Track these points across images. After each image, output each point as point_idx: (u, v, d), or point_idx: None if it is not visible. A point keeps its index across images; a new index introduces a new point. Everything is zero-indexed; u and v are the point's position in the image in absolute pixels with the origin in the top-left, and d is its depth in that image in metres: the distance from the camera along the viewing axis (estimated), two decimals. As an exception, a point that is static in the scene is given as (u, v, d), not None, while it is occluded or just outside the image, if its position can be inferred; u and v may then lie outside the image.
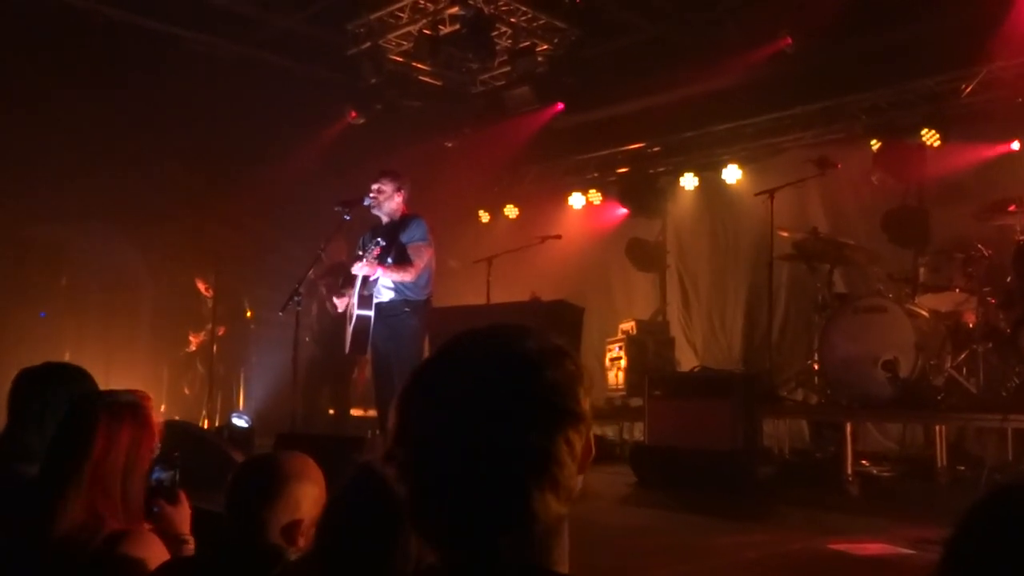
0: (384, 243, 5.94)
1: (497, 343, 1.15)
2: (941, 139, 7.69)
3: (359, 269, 5.93)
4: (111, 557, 1.99)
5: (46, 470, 2.18)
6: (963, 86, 7.69)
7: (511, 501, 1.07)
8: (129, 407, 2.21)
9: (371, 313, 6.02)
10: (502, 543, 1.08)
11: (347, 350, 6.26)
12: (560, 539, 1.14)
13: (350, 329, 6.14)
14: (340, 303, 6.29)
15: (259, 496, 1.96)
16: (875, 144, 8.03)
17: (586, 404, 1.15)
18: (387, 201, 6.11)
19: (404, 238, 6.03)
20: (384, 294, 6.03)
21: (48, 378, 2.63)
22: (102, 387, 2.66)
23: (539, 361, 1.12)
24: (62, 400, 2.49)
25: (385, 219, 6.18)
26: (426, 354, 5.95)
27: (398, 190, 6.14)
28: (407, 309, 5.99)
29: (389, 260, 5.97)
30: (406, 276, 5.95)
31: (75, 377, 2.67)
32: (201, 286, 9.53)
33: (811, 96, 8.46)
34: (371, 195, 6.10)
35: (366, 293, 6.05)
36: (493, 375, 1.10)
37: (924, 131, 7.73)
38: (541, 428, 1.08)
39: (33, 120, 7.85)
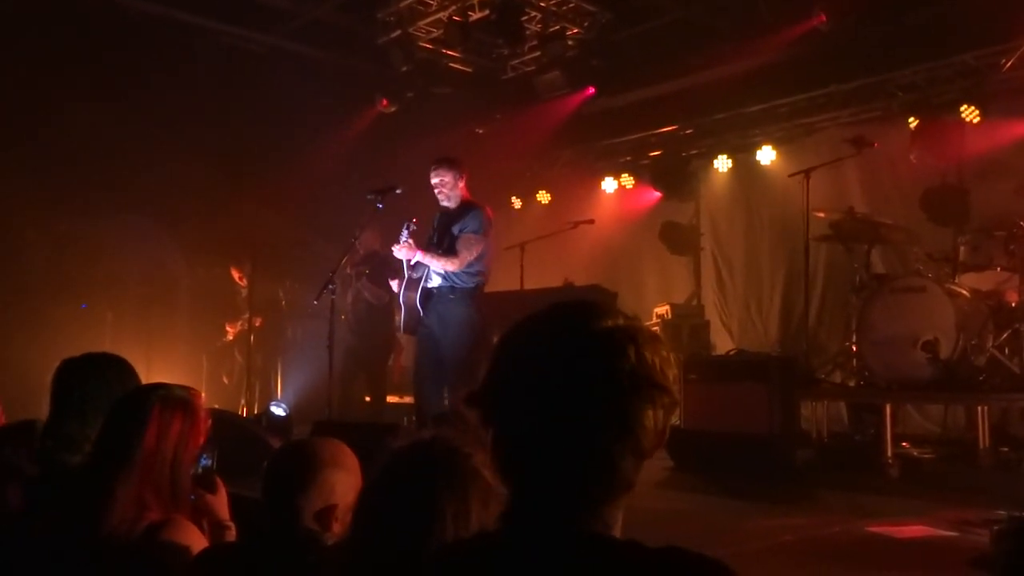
0: (415, 227, 5.95)
1: (604, 314, 1.23)
2: (981, 115, 7.54)
3: (397, 252, 5.95)
4: (155, 546, 2.03)
5: (96, 459, 2.22)
6: (1003, 60, 7.52)
7: (597, 458, 1.16)
8: (181, 402, 2.26)
9: (416, 295, 6.03)
10: (581, 508, 1.16)
11: (402, 330, 6.29)
12: (617, 520, 1.21)
13: (403, 311, 6.17)
14: (394, 285, 6.29)
15: (293, 482, 1.98)
16: (913, 122, 7.90)
17: (675, 388, 1.23)
18: (452, 191, 6.03)
19: (457, 227, 5.97)
20: (434, 279, 6.01)
21: (89, 368, 2.67)
22: (143, 378, 2.70)
23: (638, 339, 1.21)
24: (103, 390, 2.53)
25: (451, 206, 6.11)
26: (477, 342, 5.99)
27: (460, 177, 6.05)
28: (452, 296, 5.97)
29: (435, 245, 6.00)
30: (448, 266, 5.91)
31: (116, 367, 2.70)
32: (236, 275, 9.62)
33: (847, 74, 8.33)
34: (435, 189, 6.03)
35: (415, 276, 6.05)
36: (597, 340, 1.19)
37: (963, 107, 7.59)
38: (634, 396, 1.17)
39: (65, 116, 7.96)
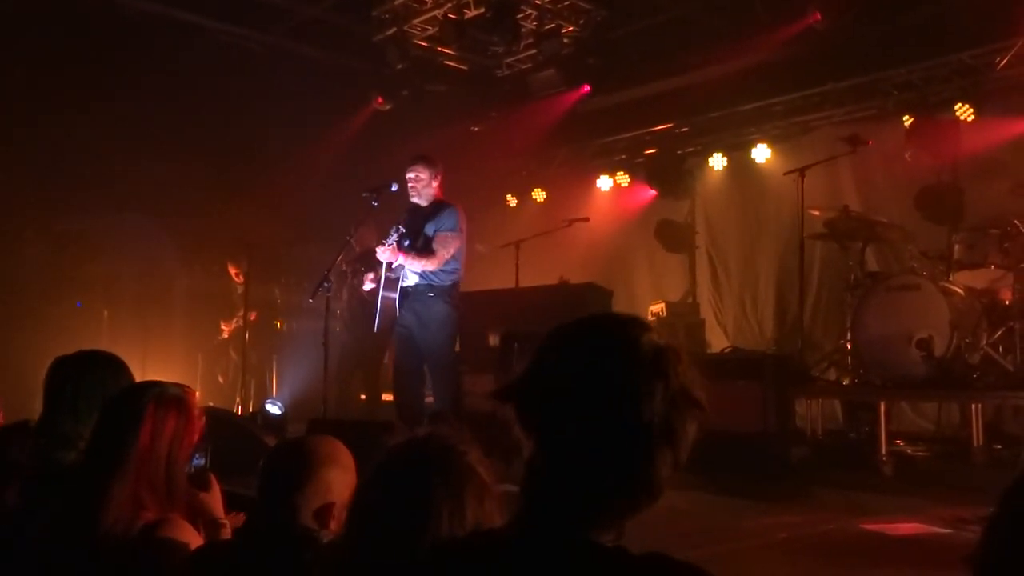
0: (404, 229, 5.96)
1: (649, 330, 1.27)
2: (975, 114, 7.55)
3: (381, 254, 5.96)
4: (152, 544, 2.02)
5: (92, 457, 2.21)
6: (998, 59, 7.53)
7: (643, 468, 1.19)
8: (175, 400, 2.25)
9: (395, 295, 6.05)
10: (616, 514, 1.20)
11: (375, 328, 6.29)
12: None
13: (378, 310, 6.17)
14: (368, 282, 6.32)
15: (290, 480, 1.98)
16: (908, 120, 7.91)
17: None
18: (425, 188, 6.09)
19: (433, 226, 6.01)
20: (410, 278, 6.04)
21: (82, 365, 2.65)
22: (138, 377, 2.69)
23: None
24: (96, 388, 2.52)
25: (423, 203, 6.15)
26: (457, 340, 6.02)
27: (435, 176, 6.11)
28: (431, 294, 6.00)
29: (408, 244, 6.00)
30: (427, 265, 5.95)
31: (109, 364, 2.68)
32: (232, 271, 9.60)
33: (842, 73, 8.34)
34: (409, 184, 6.08)
35: (392, 276, 6.07)
36: (650, 356, 1.22)
37: (958, 106, 7.60)
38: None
39: (63, 115, 7.95)
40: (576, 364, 1.23)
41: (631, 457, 1.19)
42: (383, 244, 5.93)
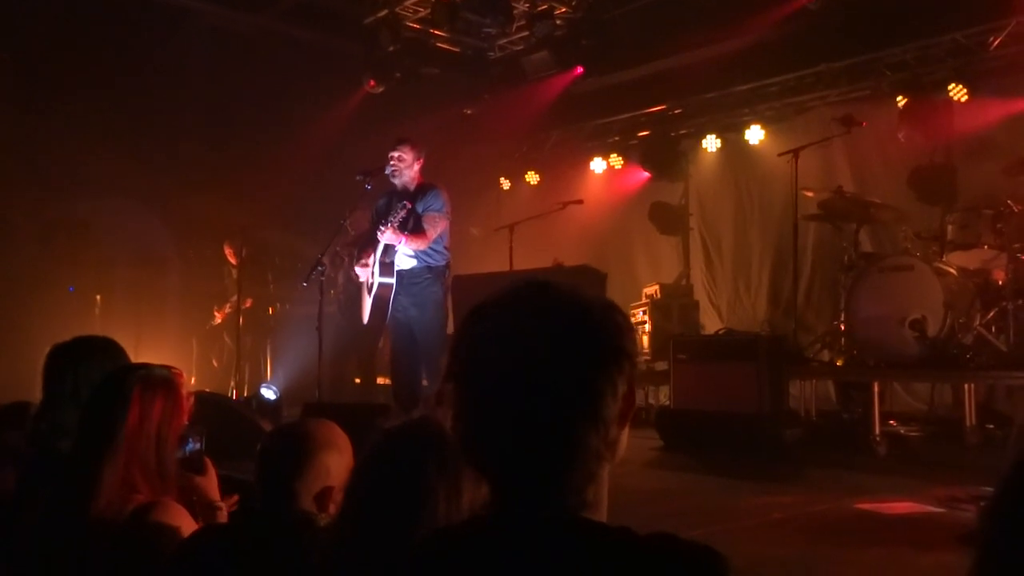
0: (409, 205, 5.95)
1: (555, 288, 1.21)
2: (969, 94, 7.54)
3: (384, 236, 5.92)
4: (144, 527, 2.02)
5: (81, 441, 2.20)
6: (991, 39, 7.52)
7: (562, 432, 1.13)
8: (163, 381, 2.24)
9: (393, 281, 6.03)
10: (551, 484, 1.14)
11: (366, 320, 6.26)
12: (601, 498, 1.19)
13: (369, 298, 6.14)
14: (361, 272, 6.29)
15: (289, 465, 1.96)
16: (901, 101, 7.91)
17: (634, 349, 1.21)
18: (407, 169, 6.10)
19: (421, 207, 6.02)
20: (405, 262, 6.02)
21: (80, 352, 2.63)
22: (132, 361, 2.68)
23: (593, 305, 1.20)
24: (95, 374, 2.51)
25: (402, 186, 6.15)
26: (450, 322, 6.03)
27: (417, 159, 6.13)
28: (429, 276, 6.01)
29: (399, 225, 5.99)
30: (420, 245, 5.97)
31: (106, 350, 2.67)
32: (228, 252, 9.55)
33: (835, 53, 8.32)
34: (391, 163, 6.09)
35: (387, 260, 6.05)
36: (550, 314, 1.17)
37: (951, 86, 7.59)
38: (592, 364, 1.15)
39: (54, 100, 7.90)
40: (483, 337, 1.19)
41: (548, 419, 1.12)
42: (385, 224, 5.89)
